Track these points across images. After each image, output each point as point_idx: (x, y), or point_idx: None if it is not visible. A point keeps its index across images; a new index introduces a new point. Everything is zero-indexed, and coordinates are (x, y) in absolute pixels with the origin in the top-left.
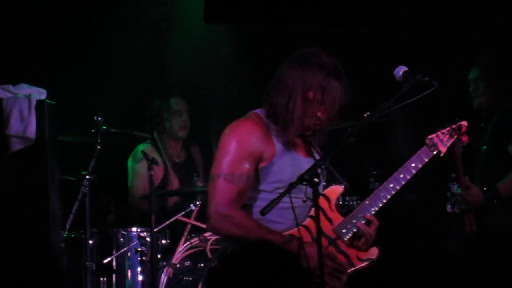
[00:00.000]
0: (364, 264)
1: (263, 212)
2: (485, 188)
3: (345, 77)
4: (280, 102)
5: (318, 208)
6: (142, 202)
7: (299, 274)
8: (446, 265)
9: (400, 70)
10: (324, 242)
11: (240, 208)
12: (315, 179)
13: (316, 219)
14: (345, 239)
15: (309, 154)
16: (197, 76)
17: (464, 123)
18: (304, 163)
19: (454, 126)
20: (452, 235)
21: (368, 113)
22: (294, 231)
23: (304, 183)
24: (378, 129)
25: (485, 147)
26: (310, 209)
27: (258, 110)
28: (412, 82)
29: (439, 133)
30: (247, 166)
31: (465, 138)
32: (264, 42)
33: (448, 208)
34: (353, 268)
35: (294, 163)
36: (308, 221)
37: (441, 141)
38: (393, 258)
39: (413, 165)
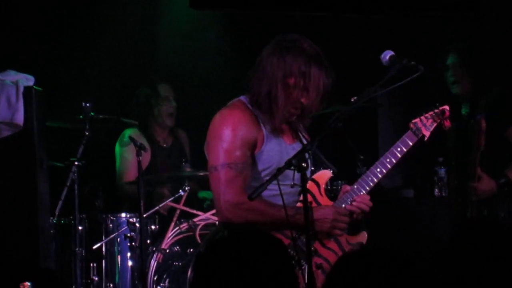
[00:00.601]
0: (354, 248)
1: (251, 198)
2: (495, 176)
3: (326, 62)
4: (261, 90)
5: (306, 192)
6: (130, 186)
7: (285, 261)
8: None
9: (387, 55)
10: None
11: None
12: (303, 164)
13: (304, 203)
14: None
15: (295, 139)
16: (184, 62)
17: (446, 107)
18: (290, 149)
19: (436, 110)
20: (440, 219)
21: (355, 98)
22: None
23: (292, 168)
24: (365, 113)
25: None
26: (299, 195)
27: (242, 98)
28: (398, 66)
29: (422, 117)
30: (246, 153)
31: (447, 123)
32: (250, 27)
33: (436, 192)
34: (343, 253)
35: (281, 150)
36: (298, 206)
37: (424, 125)
38: (380, 243)
39: (398, 149)
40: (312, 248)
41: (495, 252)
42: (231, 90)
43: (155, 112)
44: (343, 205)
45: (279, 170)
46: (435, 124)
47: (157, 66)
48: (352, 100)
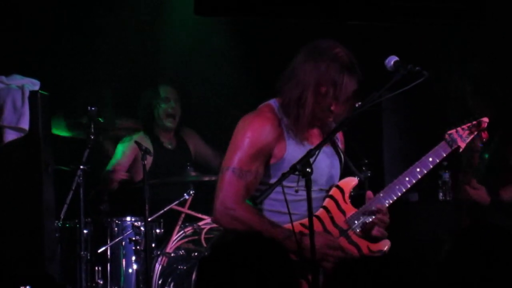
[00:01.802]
0: (375, 255)
1: (255, 202)
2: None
3: (359, 70)
4: (292, 95)
5: (311, 198)
6: (107, 177)
7: (288, 266)
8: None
9: (391, 60)
10: (336, 233)
11: (246, 202)
12: (307, 169)
13: (309, 209)
14: (357, 230)
15: (328, 143)
16: (188, 66)
17: (485, 119)
18: (321, 155)
19: (474, 122)
20: (444, 223)
21: (359, 103)
22: (304, 221)
23: (296, 173)
24: (369, 117)
25: (487, 155)
26: (323, 200)
27: (272, 101)
28: (403, 72)
29: (459, 128)
30: (256, 163)
31: (485, 135)
32: (254, 32)
33: (440, 196)
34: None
35: None
36: (320, 211)
37: (461, 136)
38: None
39: (430, 159)
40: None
41: (494, 257)
42: (236, 94)
43: (156, 113)
44: (361, 217)
45: (284, 175)
46: (471, 136)
47: (163, 70)
48: (357, 105)
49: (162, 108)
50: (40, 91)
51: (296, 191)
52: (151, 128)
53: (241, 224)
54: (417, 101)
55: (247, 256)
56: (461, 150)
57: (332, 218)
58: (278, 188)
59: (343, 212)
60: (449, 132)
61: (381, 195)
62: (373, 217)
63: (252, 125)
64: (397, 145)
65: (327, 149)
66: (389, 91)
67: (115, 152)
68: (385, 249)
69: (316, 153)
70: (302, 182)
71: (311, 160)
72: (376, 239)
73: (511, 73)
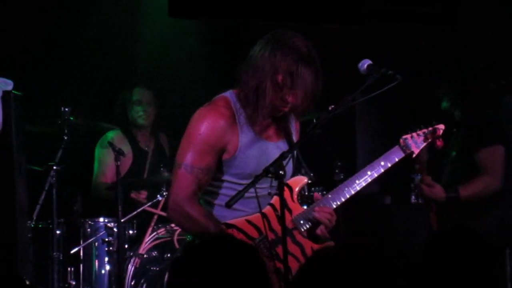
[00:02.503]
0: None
1: (228, 205)
2: (447, 189)
3: (318, 62)
4: (250, 83)
5: (283, 200)
6: (104, 188)
7: (260, 266)
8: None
9: (365, 64)
10: (280, 231)
11: (197, 198)
12: (280, 172)
13: (281, 210)
14: (302, 230)
15: (282, 137)
16: (163, 67)
17: (441, 126)
18: (274, 148)
19: (430, 128)
20: (416, 226)
21: (332, 106)
22: (253, 217)
23: (269, 175)
24: (342, 120)
25: (454, 153)
26: (271, 198)
27: (227, 93)
28: (376, 76)
29: (414, 134)
30: (208, 159)
31: (439, 143)
32: (229, 32)
33: (412, 199)
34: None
35: (260, 154)
36: (267, 209)
37: (415, 142)
38: (356, 249)
39: (382, 163)
40: (274, 252)
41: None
42: (210, 94)
43: (129, 115)
44: (308, 216)
45: (257, 178)
46: (427, 142)
47: (137, 70)
48: (330, 108)
49: (134, 111)
50: (13, 91)
51: (269, 194)
52: (126, 128)
53: (189, 222)
54: (390, 104)
55: (218, 257)
56: (414, 155)
57: (278, 216)
58: (232, 185)
59: (289, 211)
60: (404, 137)
61: (330, 196)
62: (317, 217)
63: (205, 121)
64: (370, 147)
65: (280, 143)
66: (362, 94)
67: (94, 159)
68: None
69: (289, 156)
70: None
71: (284, 162)
72: (321, 240)
73: (483, 72)
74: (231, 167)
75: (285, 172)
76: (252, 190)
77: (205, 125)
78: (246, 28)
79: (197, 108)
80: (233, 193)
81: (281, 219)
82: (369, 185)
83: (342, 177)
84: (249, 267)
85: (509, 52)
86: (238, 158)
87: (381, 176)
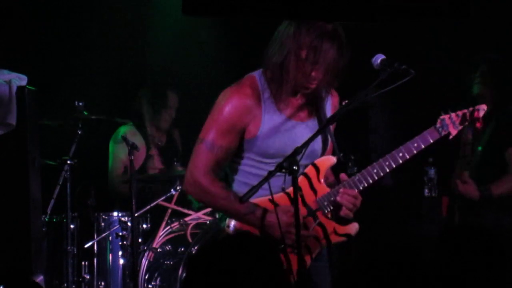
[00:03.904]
0: (341, 239)
1: (241, 200)
2: (480, 187)
3: (343, 39)
4: (275, 60)
5: (297, 195)
6: (121, 184)
7: (278, 264)
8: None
9: (378, 58)
10: (304, 212)
11: (215, 174)
12: (294, 167)
13: (295, 206)
14: (326, 211)
15: (312, 115)
16: (177, 62)
17: (483, 106)
18: (303, 128)
19: (470, 109)
20: (430, 220)
21: (346, 101)
22: (276, 196)
23: (283, 171)
24: (356, 114)
25: (480, 148)
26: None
27: (255, 73)
28: (389, 70)
29: (453, 114)
30: (229, 138)
31: (479, 124)
32: (242, 28)
33: (426, 192)
34: (329, 242)
35: (284, 134)
36: (291, 189)
37: (453, 123)
38: (369, 242)
39: (415, 144)
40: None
41: (479, 257)
42: (222, 90)
43: (157, 116)
44: (332, 198)
45: (270, 173)
46: (465, 123)
47: (150, 65)
48: (343, 103)
49: (166, 116)
50: (27, 86)
51: (283, 189)
52: (143, 123)
53: (207, 195)
54: (404, 98)
55: (236, 255)
56: (451, 137)
57: (302, 197)
58: (255, 163)
59: (314, 192)
60: (441, 117)
61: (357, 178)
62: (340, 200)
63: (230, 100)
64: (383, 141)
65: (310, 123)
66: (376, 89)
67: (109, 153)
68: (353, 232)
69: (303, 151)
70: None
71: (298, 157)
72: (345, 222)
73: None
74: (254, 146)
75: (298, 167)
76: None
77: (229, 104)
78: (259, 23)
79: (210, 104)
80: (255, 170)
81: (295, 210)
82: (393, 169)
83: (355, 170)
84: (267, 265)
85: None
86: (260, 138)
87: (413, 157)
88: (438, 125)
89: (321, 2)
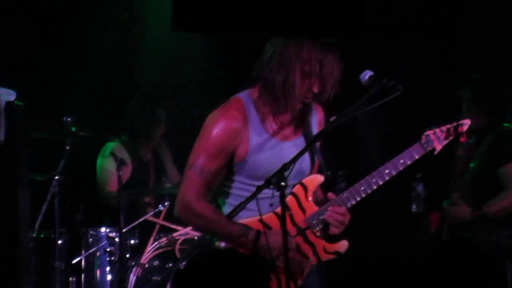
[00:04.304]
0: (331, 256)
1: (230, 216)
2: (471, 208)
3: (339, 52)
4: (277, 78)
5: (285, 211)
6: (111, 197)
7: (263, 280)
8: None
9: (366, 74)
10: (293, 231)
11: (206, 198)
12: (282, 183)
13: (282, 222)
14: (315, 230)
15: (300, 133)
16: (167, 78)
17: (467, 121)
18: (290, 147)
19: (454, 123)
20: (417, 235)
21: (334, 117)
22: (266, 217)
23: (271, 187)
24: (345, 130)
25: (473, 165)
26: (287, 196)
27: (241, 94)
28: (378, 87)
29: (437, 129)
30: (218, 162)
31: (463, 139)
32: (233, 43)
33: (413, 208)
34: (318, 261)
35: (273, 156)
36: (280, 209)
37: (438, 138)
38: (357, 258)
39: (401, 161)
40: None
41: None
42: (213, 104)
43: (148, 131)
44: (321, 216)
45: (258, 189)
46: (450, 138)
47: (139, 81)
48: (331, 119)
49: (157, 131)
50: (16, 101)
51: (271, 205)
52: (131, 139)
53: (200, 220)
54: (392, 114)
55: (223, 270)
56: (436, 152)
57: (291, 216)
58: (244, 185)
59: (303, 211)
60: (426, 133)
61: (345, 195)
62: (327, 219)
63: (217, 124)
64: (372, 157)
65: (297, 141)
66: (364, 105)
67: (97, 169)
68: (342, 250)
69: (291, 167)
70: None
71: (286, 173)
72: (334, 239)
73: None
74: (243, 169)
75: (286, 183)
76: (265, 191)
77: (216, 129)
78: (250, 39)
79: (200, 122)
80: (246, 193)
81: (282, 231)
82: (380, 186)
83: (344, 186)
84: (254, 281)
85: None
86: (249, 161)
87: (399, 173)
88: (423, 141)
89: (311, 19)
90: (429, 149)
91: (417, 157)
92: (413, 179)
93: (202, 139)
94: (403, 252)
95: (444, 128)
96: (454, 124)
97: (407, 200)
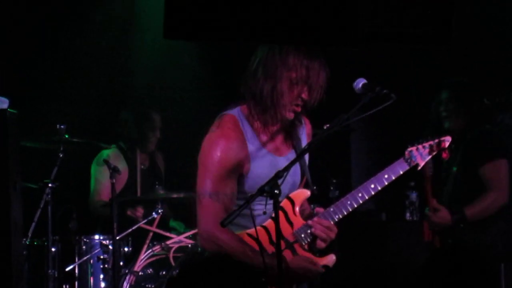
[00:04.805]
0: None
1: (223, 224)
2: (452, 211)
3: (323, 57)
4: (264, 88)
5: (278, 220)
6: (102, 207)
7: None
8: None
9: (360, 83)
10: (282, 245)
11: (227, 228)
12: (276, 191)
13: (277, 230)
14: (304, 243)
15: (291, 147)
16: (160, 85)
17: (448, 138)
18: (284, 162)
19: (436, 140)
20: (411, 243)
21: (327, 125)
22: (251, 231)
23: (264, 194)
24: (338, 138)
25: (455, 168)
26: (272, 212)
27: (233, 111)
28: (371, 95)
29: (419, 146)
30: (229, 182)
31: (445, 155)
32: (225, 51)
33: (407, 216)
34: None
35: (271, 170)
36: (268, 222)
37: (420, 154)
38: (351, 266)
39: (386, 176)
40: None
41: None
42: (205, 112)
43: (143, 138)
44: (308, 230)
45: (252, 197)
46: (432, 154)
47: (133, 88)
48: (325, 127)
49: (152, 138)
50: (8, 109)
51: (264, 213)
52: (128, 146)
53: (225, 250)
54: (385, 122)
55: (215, 277)
56: (419, 168)
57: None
58: (242, 199)
59: (291, 224)
60: (409, 149)
61: (332, 209)
62: (313, 231)
63: (218, 146)
64: (365, 165)
65: (290, 155)
66: (357, 113)
67: (90, 176)
68: (330, 264)
69: (285, 174)
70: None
71: (280, 181)
72: (322, 253)
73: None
74: (244, 184)
75: (280, 191)
76: (256, 207)
77: (218, 150)
78: (242, 46)
79: (192, 128)
80: (246, 210)
81: (276, 238)
82: (366, 201)
83: (337, 194)
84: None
85: (501, 71)
86: (250, 176)
87: (384, 189)
88: (406, 156)
89: (303, 27)
90: (413, 164)
91: (401, 172)
92: (407, 187)
93: (207, 164)
94: (397, 260)
95: (426, 144)
96: (436, 140)
97: (401, 208)
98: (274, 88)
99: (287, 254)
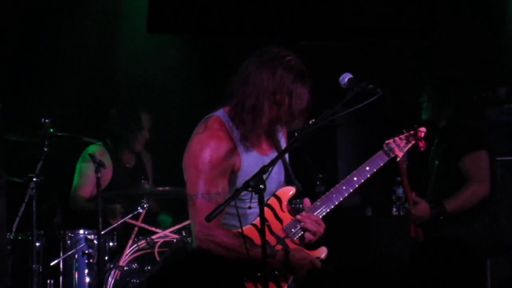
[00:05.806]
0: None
1: (208, 219)
2: (432, 204)
3: (311, 80)
4: (246, 103)
5: (263, 215)
6: (83, 200)
7: (238, 284)
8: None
9: (345, 77)
10: (273, 241)
11: (222, 226)
12: (261, 185)
13: (261, 225)
14: (294, 238)
15: (272, 148)
16: (144, 81)
17: (423, 129)
18: (267, 160)
19: (412, 131)
20: (398, 238)
21: (313, 120)
22: (244, 229)
23: (250, 189)
24: (324, 133)
25: (437, 162)
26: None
27: (219, 113)
28: (356, 90)
29: (396, 138)
30: (221, 182)
31: (422, 144)
32: (211, 47)
33: (394, 211)
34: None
35: (258, 167)
36: (258, 220)
37: (398, 146)
38: (337, 261)
39: (367, 168)
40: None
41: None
42: (191, 111)
43: (130, 137)
44: (297, 224)
45: (237, 192)
46: (409, 145)
47: (118, 83)
48: (310, 122)
49: (140, 138)
50: None
51: (250, 207)
52: (114, 143)
53: (224, 249)
54: (371, 117)
55: (196, 274)
56: (398, 159)
57: (269, 227)
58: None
59: (280, 221)
60: (387, 141)
61: (318, 203)
62: (303, 225)
63: (207, 147)
64: (351, 160)
65: (272, 155)
66: (343, 108)
67: (75, 171)
68: (322, 256)
69: (270, 169)
70: (255, 198)
71: (265, 176)
72: (313, 247)
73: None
74: (235, 184)
75: (265, 186)
76: (242, 205)
77: (209, 151)
78: (227, 42)
79: (179, 124)
80: (238, 203)
81: (261, 231)
82: (351, 196)
83: (323, 189)
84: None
85: (488, 67)
86: (241, 177)
87: (366, 181)
88: (385, 148)
89: (289, 22)
90: (392, 155)
91: (381, 164)
92: (394, 182)
93: (197, 165)
94: (383, 255)
95: (403, 136)
96: (412, 132)
97: (388, 203)
98: (256, 106)
99: (279, 249)
